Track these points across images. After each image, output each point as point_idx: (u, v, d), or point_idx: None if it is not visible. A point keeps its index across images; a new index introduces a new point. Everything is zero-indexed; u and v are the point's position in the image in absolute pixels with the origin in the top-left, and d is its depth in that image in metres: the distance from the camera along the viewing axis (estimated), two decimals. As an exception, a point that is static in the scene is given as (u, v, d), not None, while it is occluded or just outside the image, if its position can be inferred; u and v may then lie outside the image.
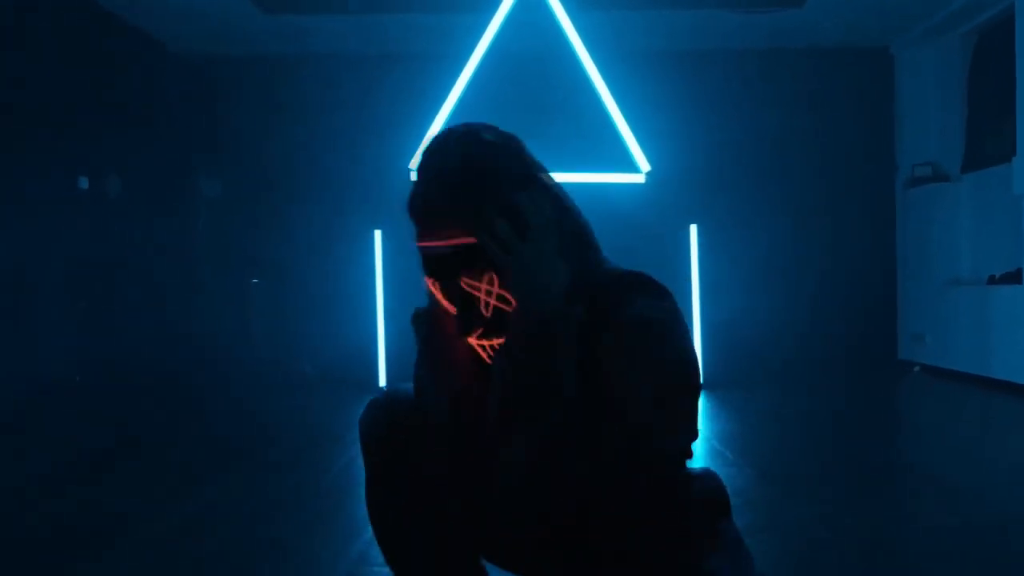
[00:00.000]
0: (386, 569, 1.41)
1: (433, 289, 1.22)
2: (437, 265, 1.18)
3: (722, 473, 2.61)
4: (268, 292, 6.19)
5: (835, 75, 6.18)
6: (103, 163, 5.15)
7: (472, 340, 1.21)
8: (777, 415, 4.11)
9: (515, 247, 1.11)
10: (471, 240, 1.14)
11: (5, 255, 4.32)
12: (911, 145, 6.10)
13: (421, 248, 1.19)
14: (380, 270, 5.12)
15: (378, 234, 5.18)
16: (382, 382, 5.11)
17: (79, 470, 2.98)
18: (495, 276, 1.16)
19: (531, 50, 5.09)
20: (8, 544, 2.11)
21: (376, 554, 1.85)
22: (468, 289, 1.17)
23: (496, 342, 1.18)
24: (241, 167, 6.22)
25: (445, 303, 1.20)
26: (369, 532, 1.41)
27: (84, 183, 4.92)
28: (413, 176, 1.33)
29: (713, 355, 4.82)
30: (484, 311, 1.17)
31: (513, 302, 1.14)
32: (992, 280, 5.08)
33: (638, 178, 4.89)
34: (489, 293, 1.16)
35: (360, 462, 1.35)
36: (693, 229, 5.07)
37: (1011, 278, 4.87)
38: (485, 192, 1.14)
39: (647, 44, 5.88)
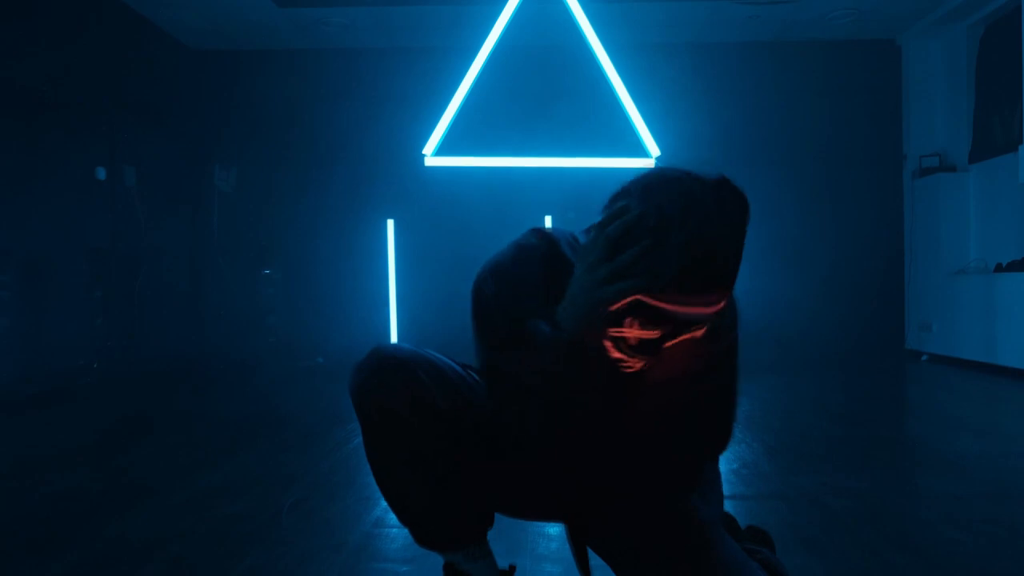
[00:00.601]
0: (404, 531, 1.45)
1: (618, 336, 1.02)
2: (677, 327, 1.01)
3: (732, 449, 2.67)
4: (281, 282, 6.26)
5: (843, 66, 6.21)
6: (120, 156, 5.22)
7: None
8: (784, 399, 4.15)
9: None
10: (720, 307, 1.00)
11: (25, 245, 4.40)
12: (918, 135, 6.12)
13: (671, 307, 0.98)
14: (392, 259, 5.17)
15: (391, 223, 5.23)
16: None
17: (103, 448, 3.05)
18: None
19: (542, 39, 5.13)
20: (38, 513, 2.18)
21: (392, 517, 1.92)
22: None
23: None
24: (255, 160, 6.29)
25: (616, 352, 1.04)
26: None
27: (102, 174, 4.98)
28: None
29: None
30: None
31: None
32: (999, 268, 5.10)
33: (648, 163, 4.94)
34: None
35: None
36: (702, 218, 5.11)
37: (1018, 266, 4.90)
38: None
39: (658, 35, 5.92)
